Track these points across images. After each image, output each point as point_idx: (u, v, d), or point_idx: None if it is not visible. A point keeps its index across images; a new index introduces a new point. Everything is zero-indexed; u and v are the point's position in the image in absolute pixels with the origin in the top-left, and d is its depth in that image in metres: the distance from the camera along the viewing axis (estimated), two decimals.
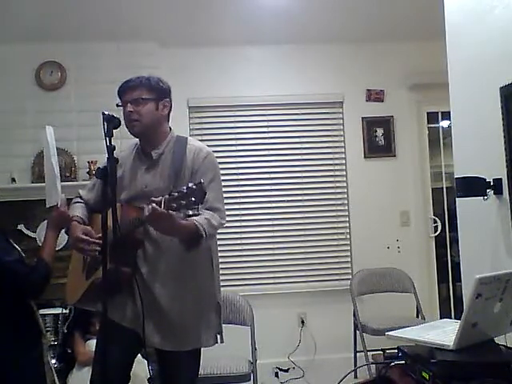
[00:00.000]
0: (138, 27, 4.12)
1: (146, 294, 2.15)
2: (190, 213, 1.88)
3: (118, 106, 2.28)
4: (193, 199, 1.85)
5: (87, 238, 2.16)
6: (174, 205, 1.88)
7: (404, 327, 1.79)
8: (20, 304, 2.17)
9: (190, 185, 1.87)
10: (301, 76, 4.56)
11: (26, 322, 2.19)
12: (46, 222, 2.36)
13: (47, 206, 2.31)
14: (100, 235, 2.10)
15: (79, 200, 2.44)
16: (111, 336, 1.99)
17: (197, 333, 2.22)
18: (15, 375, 2.08)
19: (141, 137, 2.32)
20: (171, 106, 2.36)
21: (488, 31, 2.50)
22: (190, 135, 4.33)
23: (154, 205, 1.90)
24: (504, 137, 2.34)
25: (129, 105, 2.23)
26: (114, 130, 1.98)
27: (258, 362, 3.40)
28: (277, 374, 4.29)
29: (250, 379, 3.30)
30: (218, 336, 2.30)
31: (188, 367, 2.27)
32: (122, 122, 2.10)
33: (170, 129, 2.37)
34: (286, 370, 4.29)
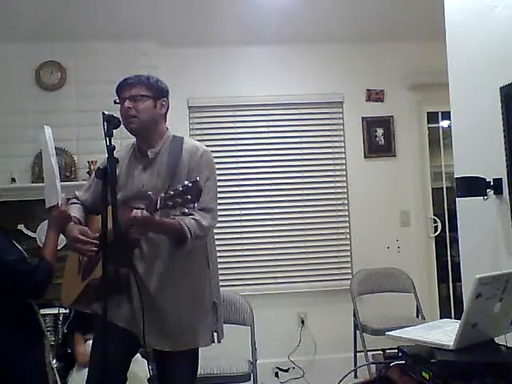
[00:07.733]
0: (138, 27, 4.12)
1: (143, 293, 2.14)
2: (186, 211, 1.87)
3: (115, 102, 2.27)
4: (189, 197, 1.84)
5: (83, 237, 2.14)
6: (170, 203, 1.88)
7: (404, 327, 1.78)
8: (22, 304, 2.16)
9: (186, 183, 1.87)
10: (301, 76, 4.56)
11: (28, 321, 2.18)
12: (46, 221, 2.35)
13: (47, 206, 2.30)
14: (96, 235, 2.11)
15: (75, 201, 2.43)
16: (107, 337, 1.98)
17: (194, 332, 2.22)
18: (17, 375, 2.08)
19: (137, 134, 2.30)
20: (168, 107, 2.35)
21: (488, 31, 2.50)
22: (190, 135, 4.33)
23: (134, 211, 1.96)
24: (504, 137, 2.34)
25: (127, 101, 2.22)
26: (113, 130, 1.98)
27: (258, 361, 3.40)
28: (277, 374, 4.29)
29: (250, 379, 3.30)
30: (215, 335, 2.30)
31: (186, 367, 2.26)
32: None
33: (167, 129, 2.37)
34: (286, 370, 4.29)
